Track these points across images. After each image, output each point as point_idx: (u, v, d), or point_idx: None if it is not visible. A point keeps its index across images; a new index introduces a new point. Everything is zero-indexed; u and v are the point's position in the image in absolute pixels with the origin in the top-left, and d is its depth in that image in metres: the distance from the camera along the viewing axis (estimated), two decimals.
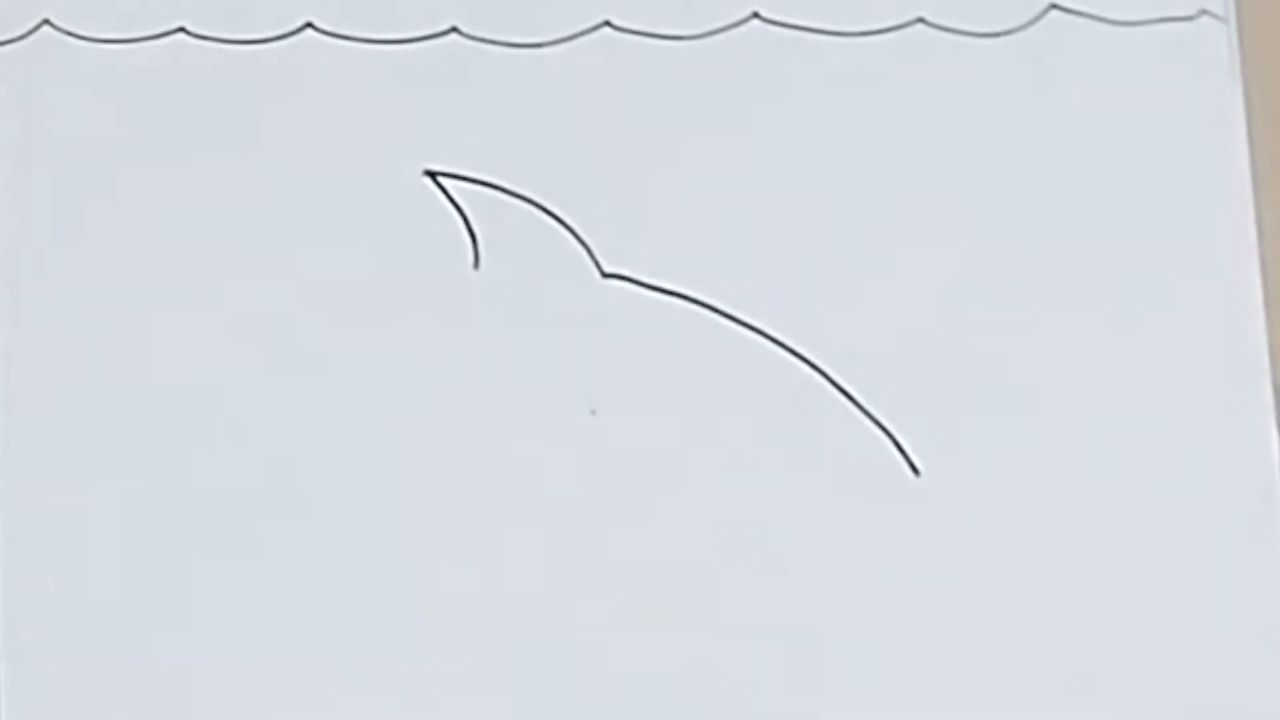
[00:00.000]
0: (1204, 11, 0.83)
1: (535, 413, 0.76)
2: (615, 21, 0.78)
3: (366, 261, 0.75)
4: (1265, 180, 0.82)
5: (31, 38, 0.75)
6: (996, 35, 0.81)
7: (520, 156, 0.77)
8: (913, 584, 0.76)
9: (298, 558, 0.73)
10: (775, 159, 0.79)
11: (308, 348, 0.75)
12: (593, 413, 0.76)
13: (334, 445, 0.74)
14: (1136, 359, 0.80)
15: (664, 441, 0.77)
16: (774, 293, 0.78)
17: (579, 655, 0.74)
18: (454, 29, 0.77)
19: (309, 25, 0.76)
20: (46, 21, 0.75)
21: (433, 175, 0.76)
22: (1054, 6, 0.82)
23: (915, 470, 0.78)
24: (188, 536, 0.73)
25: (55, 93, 0.74)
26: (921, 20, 0.80)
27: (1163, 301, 0.81)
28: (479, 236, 0.76)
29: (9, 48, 0.74)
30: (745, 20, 0.79)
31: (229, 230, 0.75)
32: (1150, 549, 0.79)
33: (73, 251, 0.74)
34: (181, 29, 0.76)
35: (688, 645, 0.74)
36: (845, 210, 0.79)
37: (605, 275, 0.77)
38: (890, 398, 0.78)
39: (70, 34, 0.75)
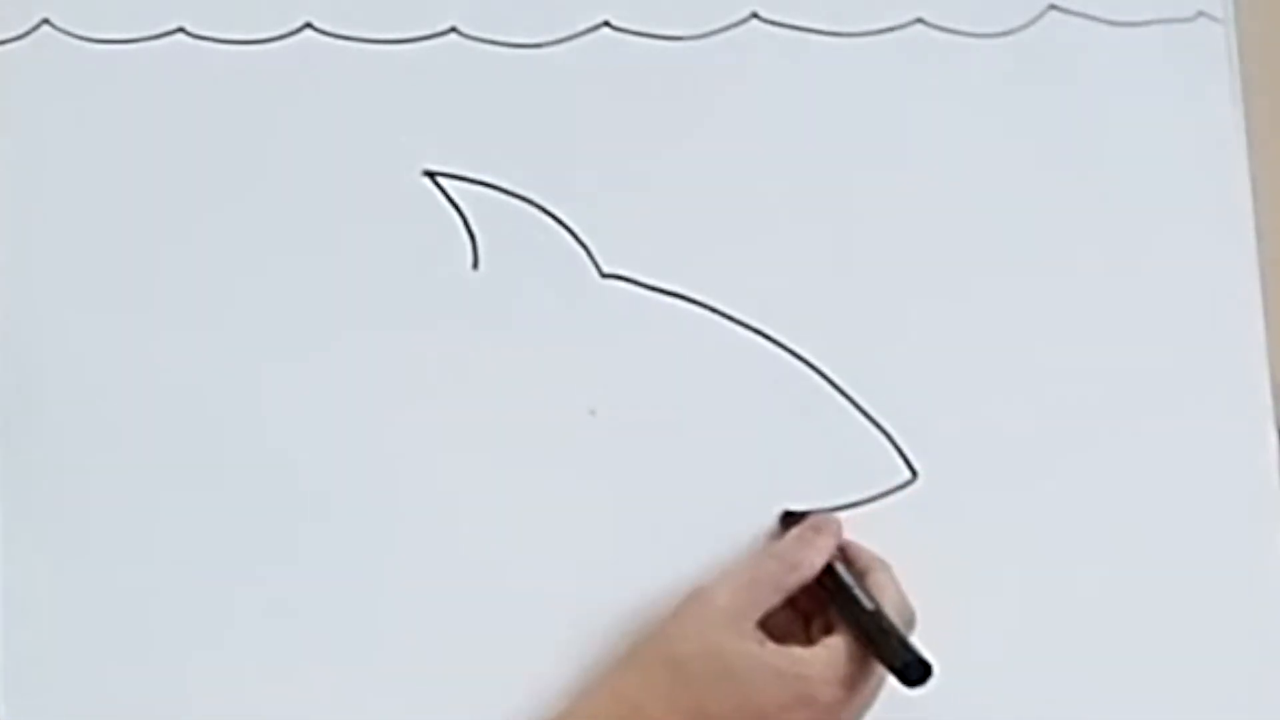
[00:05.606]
0: (1201, 13, 0.84)
1: (535, 412, 0.76)
2: (615, 22, 0.78)
3: (366, 261, 0.75)
4: (1264, 180, 0.82)
5: (31, 37, 0.75)
6: (996, 35, 0.81)
7: (520, 156, 0.77)
8: (912, 583, 0.76)
9: (300, 557, 0.73)
10: (775, 159, 0.79)
11: (308, 347, 0.74)
12: (592, 413, 0.76)
13: (333, 444, 0.74)
14: (1136, 359, 0.80)
15: (663, 441, 0.77)
16: (774, 293, 0.78)
17: (580, 651, 0.74)
18: (454, 29, 0.77)
19: (309, 25, 0.76)
20: (46, 21, 0.75)
21: (432, 175, 0.76)
22: (1053, 7, 0.82)
23: (913, 470, 0.78)
24: (191, 535, 0.73)
25: (55, 92, 0.74)
26: (921, 20, 0.81)
27: (1162, 302, 0.81)
28: (479, 236, 0.76)
29: (9, 47, 0.74)
30: (745, 20, 0.79)
31: (229, 230, 0.75)
32: (1150, 548, 0.79)
33: (74, 250, 0.74)
34: (181, 29, 0.75)
35: None
36: (845, 210, 0.79)
37: (605, 275, 0.77)
38: (890, 398, 0.78)
39: (70, 34, 0.75)
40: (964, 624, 0.77)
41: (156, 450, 0.73)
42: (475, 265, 0.76)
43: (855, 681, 0.71)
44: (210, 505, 0.73)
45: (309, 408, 0.74)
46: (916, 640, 0.72)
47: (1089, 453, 0.79)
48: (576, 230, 0.77)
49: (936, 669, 0.70)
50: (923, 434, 0.78)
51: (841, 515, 0.77)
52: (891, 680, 0.70)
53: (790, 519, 0.76)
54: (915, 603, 0.75)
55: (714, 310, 0.78)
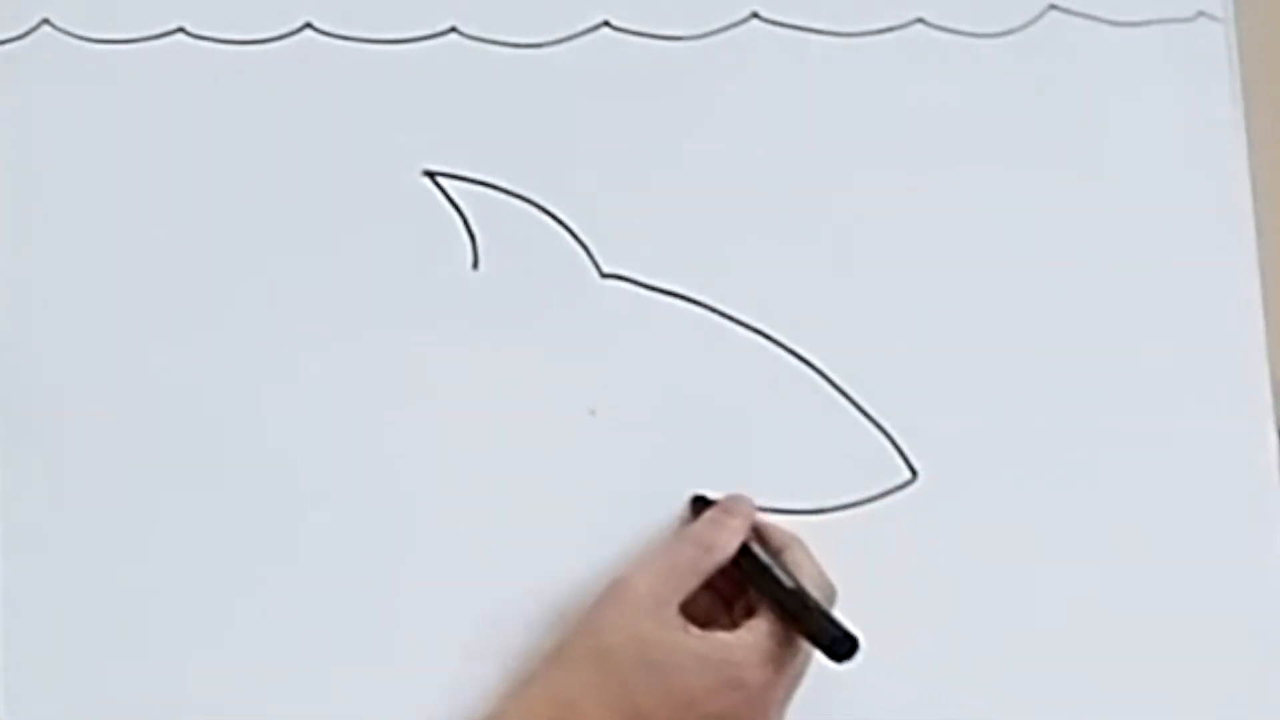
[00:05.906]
0: (1201, 13, 0.84)
1: (535, 412, 0.76)
2: (615, 21, 0.78)
3: (366, 261, 0.75)
4: (1264, 180, 0.82)
5: (31, 37, 0.75)
6: (996, 35, 0.81)
7: (520, 156, 0.77)
8: (912, 582, 0.77)
9: (300, 557, 0.73)
10: (775, 159, 0.79)
11: (308, 347, 0.75)
12: (592, 413, 0.76)
13: (333, 444, 0.74)
14: (1136, 359, 0.80)
15: (663, 441, 0.77)
16: (774, 293, 0.78)
17: None
18: (454, 29, 0.77)
19: (309, 25, 0.76)
20: (46, 21, 0.75)
21: (432, 175, 0.76)
22: (1053, 7, 0.82)
23: (913, 470, 0.78)
24: (190, 535, 0.73)
25: (55, 92, 0.74)
26: (921, 20, 0.81)
27: (1162, 302, 0.81)
28: (479, 236, 0.76)
29: (9, 47, 0.74)
30: (745, 20, 0.79)
31: (229, 230, 0.75)
32: (1150, 547, 0.79)
33: (74, 250, 0.74)
34: (181, 29, 0.76)
35: None
36: (845, 211, 0.79)
37: (604, 275, 0.77)
38: (890, 398, 0.78)
39: (70, 34, 0.75)
40: (964, 624, 0.78)
41: (156, 450, 0.73)
42: (475, 265, 0.76)
43: (781, 661, 0.71)
44: (210, 505, 0.73)
45: (309, 407, 0.74)
46: (840, 614, 0.71)
47: (1089, 452, 0.79)
48: (576, 230, 0.77)
49: (863, 643, 0.69)
50: (923, 434, 0.78)
51: (841, 515, 0.77)
52: (878, 682, 0.70)
53: (700, 504, 0.76)
54: (914, 602, 0.75)
55: (714, 310, 0.78)
